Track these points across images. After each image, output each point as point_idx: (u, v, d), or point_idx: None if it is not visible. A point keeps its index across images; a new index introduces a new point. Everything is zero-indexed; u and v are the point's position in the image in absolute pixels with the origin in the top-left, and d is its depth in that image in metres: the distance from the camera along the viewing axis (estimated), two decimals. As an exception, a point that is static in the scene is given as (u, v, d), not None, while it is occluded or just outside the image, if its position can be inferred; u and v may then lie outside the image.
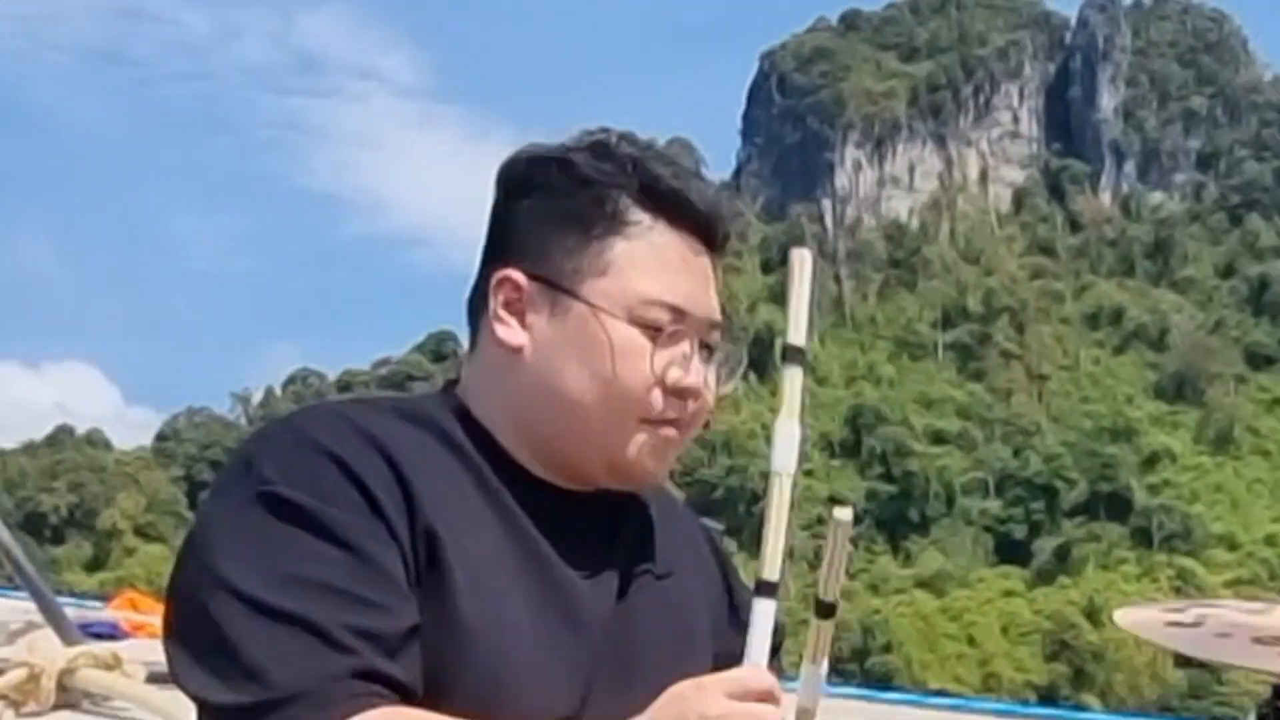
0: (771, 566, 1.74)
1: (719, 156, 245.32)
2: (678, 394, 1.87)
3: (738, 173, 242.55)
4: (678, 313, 1.86)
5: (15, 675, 2.06)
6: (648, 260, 1.87)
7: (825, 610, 1.73)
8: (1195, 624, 1.51)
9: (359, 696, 1.64)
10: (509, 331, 1.89)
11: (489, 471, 1.89)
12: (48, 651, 2.25)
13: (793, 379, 1.79)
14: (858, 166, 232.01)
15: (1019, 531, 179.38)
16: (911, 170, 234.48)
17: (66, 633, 2.34)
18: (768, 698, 1.66)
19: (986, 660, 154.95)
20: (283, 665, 1.63)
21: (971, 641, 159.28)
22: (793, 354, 1.78)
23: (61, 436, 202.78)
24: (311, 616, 1.65)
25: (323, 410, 1.89)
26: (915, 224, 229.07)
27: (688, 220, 1.91)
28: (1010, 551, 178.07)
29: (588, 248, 1.87)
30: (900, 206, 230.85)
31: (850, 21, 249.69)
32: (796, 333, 1.78)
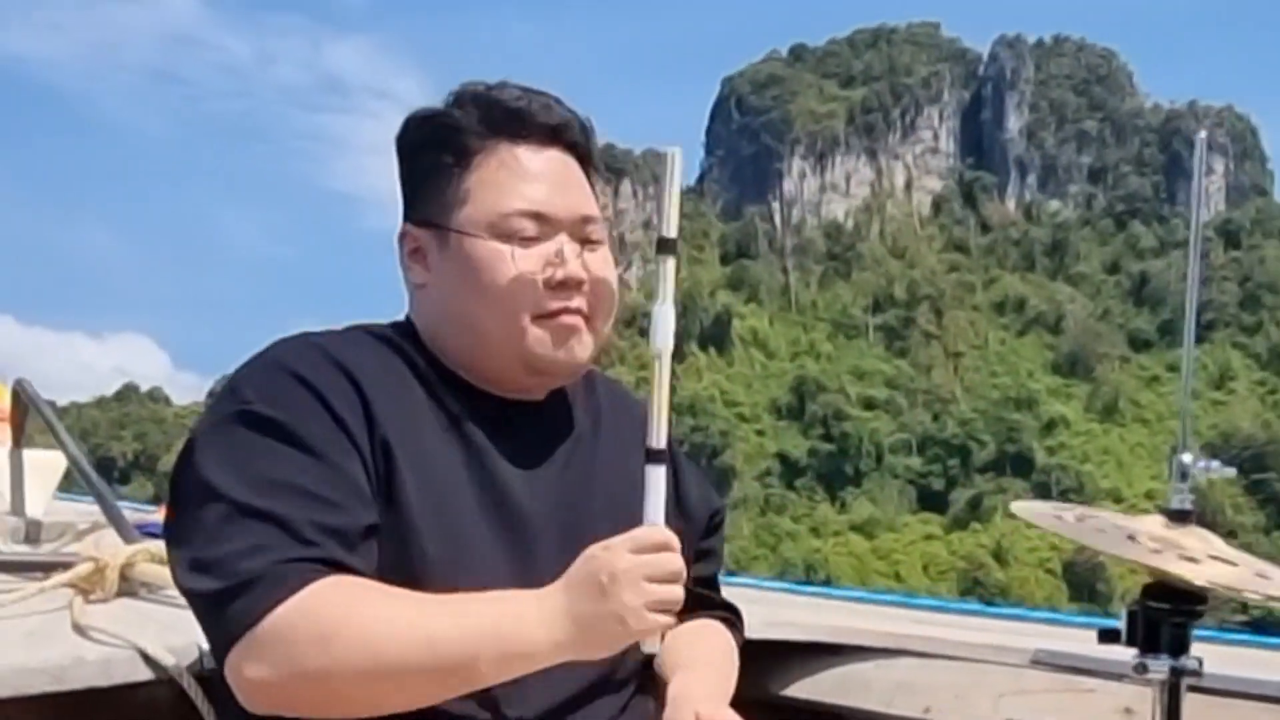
0: (659, 437, 1.71)
1: (686, 166, 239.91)
2: (561, 286, 1.82)
3: (701, 179, 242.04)
4: (537, 217, 1.83)
5: (84, 568, 2.15)
6: (497, 179, 1.83)
7: (667, 246, 1.71)
8: (1079, 520, 1.52)
9: (313, 575, 1.62)
10: (415, 274, 1.91)
11: (439, 386, 1.87)
12: (111, 548, 2.30)
13: (667, 269, 1.73)
14: (802, 175, 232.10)
15: (937, 484, 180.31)
16: (848, 179, 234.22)
17: (126, 532, 2.41)
18: (665, 548, 1.64)
19: (910, 594, 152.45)
20: (250, 555, 1.61)
21: (898, 577, 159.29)
22: (666, 245, 1.72)
23: (128, 393, 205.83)
24: (279, 513, 1.63)
25: (297, 340, 1.85)
26: (850, 224, 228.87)
27: (531, 133, 1.86)
28: (930, 501, 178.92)
29: (448, 186, 1.84)
30: (838, 209, 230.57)
31: (798, 53, 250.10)
32: (669, 227, 1.72)
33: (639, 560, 1.60)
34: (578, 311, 1.85)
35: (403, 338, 1.91)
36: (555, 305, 1.82)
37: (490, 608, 1.65)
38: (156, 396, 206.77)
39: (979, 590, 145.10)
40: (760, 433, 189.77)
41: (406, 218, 1.93)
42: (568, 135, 1.91)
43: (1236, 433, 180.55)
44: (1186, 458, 1.51)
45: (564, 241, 1.83)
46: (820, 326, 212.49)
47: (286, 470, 1.67)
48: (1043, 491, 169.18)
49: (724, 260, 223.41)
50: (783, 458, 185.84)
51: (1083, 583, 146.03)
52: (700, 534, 2.13)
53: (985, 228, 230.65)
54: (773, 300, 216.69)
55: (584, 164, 1.94)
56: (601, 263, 1.89)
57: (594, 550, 1.65)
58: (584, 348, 1.88)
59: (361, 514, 1.70)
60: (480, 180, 1.82)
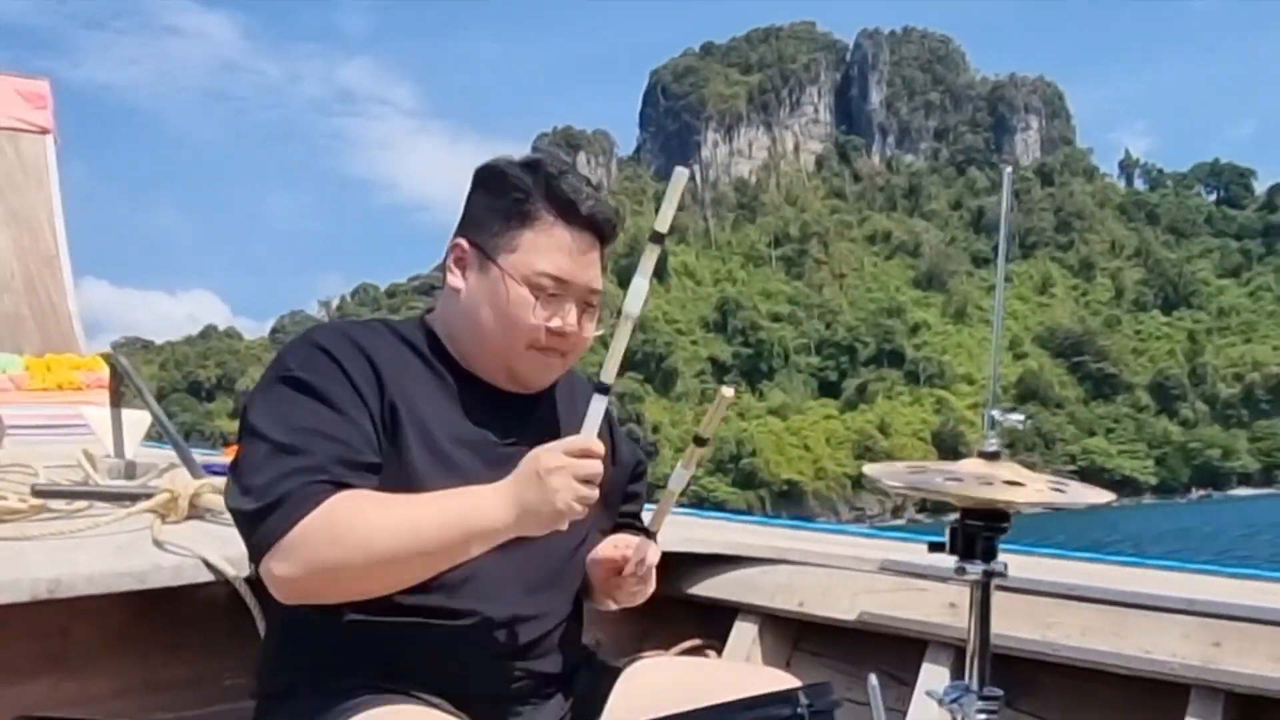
0: (608, 374, 1.73)
1: (625, 139, 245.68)
2: (557, 334, 1.84)
3: (638, 150, 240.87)
4: (560, 282, 1.83)
5: (162, 497, 2.23)
6: (544, 246, 1.83)
7: (700, 441, 1.76)
8: (913, 473, 1.56)
9: (326, 493, 1.65)
10: (454, 279, 1.89)
11: (443, 371, 1.88)
12: (183, 482, 2.34)
13: (653, 253, 1.73)
14: (715, 144, 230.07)
15: (832, 376, 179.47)
16: (750, 145, 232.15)
17: (195, 471, 2.23)
18: (589, 454, 1.65)
19: (817, 460, 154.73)
20: (282, 480, 1.63)
21: (806, 447, 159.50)
22: (656, 237, 1.72)
23: (209, 332, 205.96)
24: (305, 449, 1.66)
25: (330, 326, 1.87)
26: (754, 180, 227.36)
27: (579, 222, 1.86)
28: (828, 390, 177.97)
29: (507, 231, 1.84)
30: (744, 169, 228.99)
31: (707, 49, 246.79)
32: (663, 223, 1.72)
33: (568, 460, 1.63)
34: (560, 352, 1.88)
35: (416, 331, 1.91)
36: (547, 344, 1.85)
37: (458, 499, 1.68)
38: (231, 334, 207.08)
39: (868, 455, 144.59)
40: (694, 342, 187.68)
41: (461, 231, 1.91)
42: (602, 229, 1.90)
43: (1059, 327, 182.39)
44: (995, 412, 1.54)
45: (571, 304, 1.85)
46: (735, 259, 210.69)
47: (313, 419, 1.70)
48: (912, 378, 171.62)
49: (658, 211, 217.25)
50: (713, 360, 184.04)
51: (947, 446, 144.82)
52: (628, 479, 2.16)
53: (857, 178, 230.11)
54: (698, 241, 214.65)
55: (604, 245, 1.94)
56: (589, 324, 1.91)
57: (536, 450, 1.67)
58: (554, 376, 1.93)
59: (368, 454, 1.72)
60: (530, 240, 1.83)
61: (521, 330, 1.82)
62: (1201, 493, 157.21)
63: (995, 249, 1.58)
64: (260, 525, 1.63)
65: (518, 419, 1.91)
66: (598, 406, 1.73)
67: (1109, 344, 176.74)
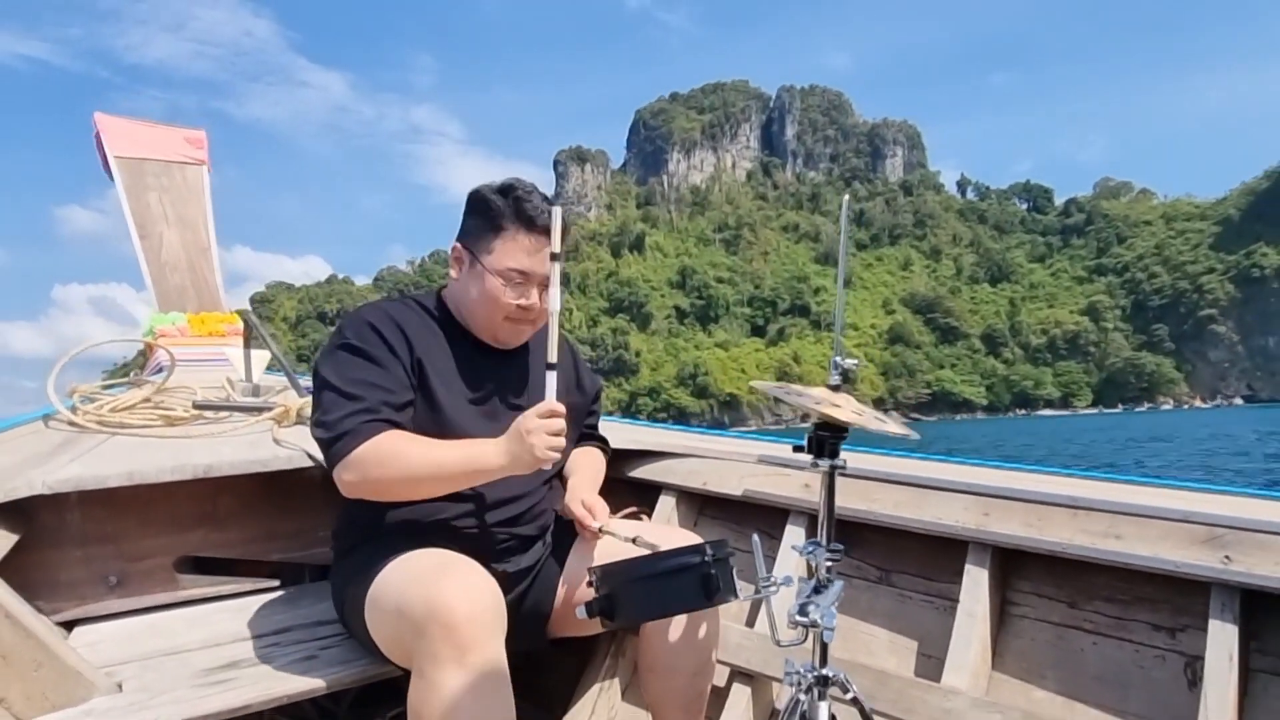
0: (551, 355, 1.55)
1: (617, 156, 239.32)
2: (522, 309, 1.71)
3: (624, 164, 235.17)
4: (522, 274, 1.68)
5: (279, 409, 2.20)
6: (510, 250, 1.68)
7: (556, 258, 1.56)
8: (785, 390, 1.39)
9: (378, 429, 1.57)
10: (454, 271, 1.77)
11: (453, 333, 1.76)
12: (293, 399, 2.35)
13: (556, 271, 1.55)
14: (678, 161, 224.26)
15: (760, 322, 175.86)
16: (702, 163, 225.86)
17: (300, 392, 2.52)
18: (555, 415, 1.51)
19: (750, 380, 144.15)
20: (345, 419, 1.56)
21: (742, 371, 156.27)
22: (555, 257, 1.55)
23: (332, 279, 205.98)
24: (359, 395, 1.58)
25: (372, 305, 1.71)
26: (704, 186, 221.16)
27: (534, 230, 1.67)
28: (757, 331, 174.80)
29: (484, 239, 1.69)
30: (697, 179, 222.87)
31: (674, 97, 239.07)
32: (557, 244, 1.54)
33: (541, 422, 1.51)
34: (528, 320, 1.74)
35: (435, 304, 1.78)
36: (517, 315, 1.72)
37: (469, 447, 1.58)
38: (346, 281, 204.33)
39: (786, 377, 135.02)
40: (663, 296, 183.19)
41: (459, 237, 1.76)
42: (552, 236, 1.65)
43: (917, 293, 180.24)
44: (838, 359, 1.43)
45: (532, 288, 1.70)
46: (691, 240, 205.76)
47: (365, 373, 1.61)
48: (816, 325, 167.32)
49: (638, 206, 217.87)
50: (676, 308, 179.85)
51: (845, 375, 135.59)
52: (590, 402, 2.02)
53: (776, 187, 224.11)
54: (665, 226, 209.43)
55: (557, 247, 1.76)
56: (546, 299, 1.72)
57: (521, 416, 1.55)
58: (525, 337, 1.79)
59: (405, 396, 1.63)
60: (501, 245, 1.68)
61: (497, 307, 1.70)
62: (1021, 412, 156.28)
63: (840, 261, 1.41)
64: (333, 447, 1.56)
65: (506, 365, 1.80)
66: (550, 379, 1.57)
67: (953, 305, 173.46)
